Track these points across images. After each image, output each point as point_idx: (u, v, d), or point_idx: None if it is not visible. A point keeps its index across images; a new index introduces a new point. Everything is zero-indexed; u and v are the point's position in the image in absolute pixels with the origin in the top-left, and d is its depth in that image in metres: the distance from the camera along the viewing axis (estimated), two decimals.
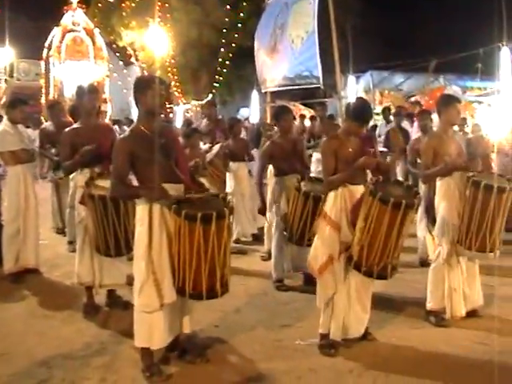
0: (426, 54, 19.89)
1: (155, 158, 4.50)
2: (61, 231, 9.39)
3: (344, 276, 5.04)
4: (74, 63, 23.16)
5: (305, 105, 23.11)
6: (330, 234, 5.04)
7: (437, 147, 5.72)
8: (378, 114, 15.94)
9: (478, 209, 5.34)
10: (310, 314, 5.69)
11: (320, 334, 5.15)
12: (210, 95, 25.79)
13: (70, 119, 8.27)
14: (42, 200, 7.87)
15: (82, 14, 23.50)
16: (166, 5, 23.23)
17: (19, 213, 7.12)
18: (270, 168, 7.98)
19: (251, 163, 10.09)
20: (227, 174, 9.12)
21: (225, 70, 26.04)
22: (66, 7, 23.24)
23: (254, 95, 25.30)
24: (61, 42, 23.07)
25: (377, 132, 12.40)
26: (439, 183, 5.71)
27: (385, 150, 10.19)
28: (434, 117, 7.94)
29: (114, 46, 26.47)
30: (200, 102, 24.14)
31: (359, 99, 5.72)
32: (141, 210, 4.56)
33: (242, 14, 24.52)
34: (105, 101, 22.41)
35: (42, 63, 23.88)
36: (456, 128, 12.44)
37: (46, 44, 23.34)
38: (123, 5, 25.00)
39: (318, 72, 12.81)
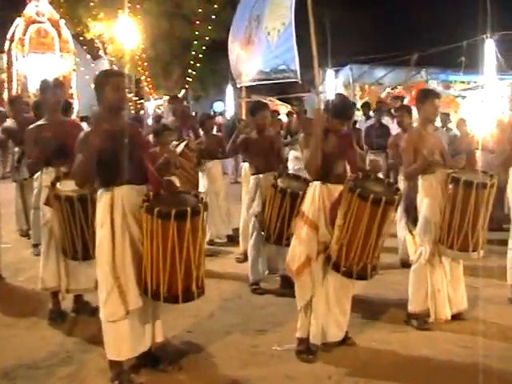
0: (408, 47, 20.01)
1: (117, 156, 4.47)
2: (25, 234, 9.31)
3: (322, 277, 5.06)
4: (39, 56, 22.98)
5: (282, 100, 23.15)
6: (307, 234, 5.06)
7: (416, 144, 5.76)
8: (358, 109, 16.00)
9: (459, 206, 5.40)
10: (287, 319, 5.71)
11: (297, 338, 5.16)
12: (183, 90, 25.74)
13: (33, 115, 8.20)
14: (5, 201, 7.81)
15: (47, 3, 23.29)
16: None
17: None
18: (245, 166, 7.99)
19: (228, 160, 10.10)
20: (200, 173, 9.10)
21: (198, 64, 25.96)
22: None
23: (229, 90, 25.31)
24: (24, 34, 22.87)
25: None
26: (421, 181, 5.76)
27: None
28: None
29: (81, 38, 26.28)
30: None
31: (339, 95, 5.77)
32: (101, 211, 4.53)
33: (215, 6, 24.44)
34: (71, 96, 22.26)
35: (4, 56, 23.60)
36: (439, 124, 12.64)
37: (8, 36, 23.09)
38: None
39: (296, 66, 12.78)
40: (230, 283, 7.26)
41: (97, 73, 4.91)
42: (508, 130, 6.68)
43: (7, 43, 23.16)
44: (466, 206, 5.37)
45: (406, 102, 15.44)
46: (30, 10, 22.95)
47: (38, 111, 7.84)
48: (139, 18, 23.40)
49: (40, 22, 23.08)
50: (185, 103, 28.07)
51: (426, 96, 5.93)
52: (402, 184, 7.14)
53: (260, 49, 14.86)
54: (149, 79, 26.35)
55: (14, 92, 22.35)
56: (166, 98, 26.04)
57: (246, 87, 16.55)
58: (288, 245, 5.43)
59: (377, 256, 4.90)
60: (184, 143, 8.64)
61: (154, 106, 27.20)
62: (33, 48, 22.94)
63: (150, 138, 7.93)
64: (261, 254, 6.95)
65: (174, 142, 8.52)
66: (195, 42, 25.36)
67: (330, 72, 20.25)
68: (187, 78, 26.52)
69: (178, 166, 7.74)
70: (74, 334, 5.64)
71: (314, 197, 5.11)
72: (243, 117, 15.00)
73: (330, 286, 5.08)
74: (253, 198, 7.00)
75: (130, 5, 22.34)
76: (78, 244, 5.58)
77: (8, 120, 9.58)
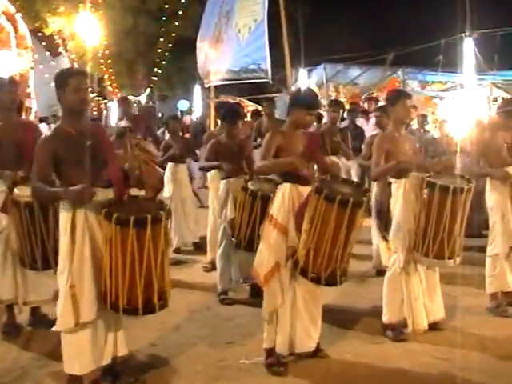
0: (384, 46, 20.15)
1: (81, 160, 4.45)
2: None
3: (289, 284, 5.07)
4: None
5: (252, 100, 23.17)
6: (276, 239, 5.07)
7: (389, 147, 5.80)
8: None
9: (435, 212, 5.44)
10: (257, 330, 5.69)
11: (265, 349, 5.17)
12: (148, 89, 25.67)
13: None
14: None
15: None
16: None
17: None
18: (212, 170, 7.98)
19: (195, 165, 10.08)
20: (165, 177, 9.08)
21: (164, 62, 25.94)
22: None
23: (197, 89, 25.26)
24: None
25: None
26: (395, 185, 5.80)
27: None
28: None
29: (40, 33, 26.03)
30: (136, 98, 23.97)
31: (301, 87, 5.80)
32: (64, 217, 4.51)
33: (182, 1, 24.42)
34: (29, 96, 22.02)
35: None
36: (415, 126, 12.75)
37: None
38: None
39: (267, 65, 12.84)
40: (197, 294, 7.25)
41: (57, 71, 4.87)
42: (486, 132, 6.77)
43: None
44: (442, 211, 5.41)
45: (380, 102, 15.53)
46: None
47: None
48: (102, 13, 23.26)
49: None
50: (150, 103, 28.05)
51: (397, 97, 5.97)
52: (375, 187, 7.16)
53: (229, 47, 14.91)
54: (112, 78, 26.22)
55: None
56: (131, 97, 26.00)
57: (215, 87, 16.57)
58: None
59: (346, 261, 4.92)
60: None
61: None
62: None
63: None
64: (230, 262, 6.95)
65: None
66: (161, 39, 25.32)
67: (302, 71, 20.26)
68: (153, 77, 26.46)
69: (142, 172, 7.68)
70: (30, 349, 5.57)
71: (284, 199, 5.10)
72: (211, 118, 15.00)
73: (297, 292, 5.09)
74: (224, 203, 6.99)
75: None
76: (37, 253, 5.52)
77: None
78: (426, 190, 5.54)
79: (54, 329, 4.54)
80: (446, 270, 6.11)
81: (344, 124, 11.82)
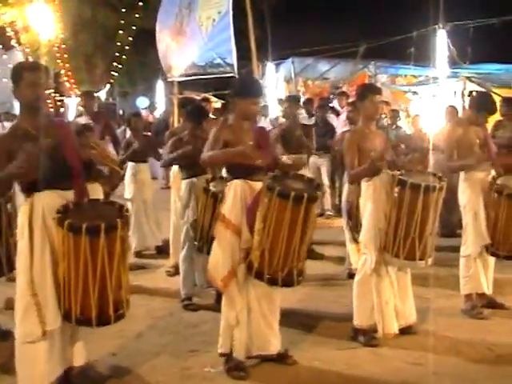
0: (354, 39, 20.23)
1: (39, 160, 4.40)
2: None
3: (243, 287, 5.09)
4: None
5: (217, 96, 23.14)
6: (230, 240, 5.07)
7: (360, 143, 5.84)
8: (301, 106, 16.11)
9: (405, 211, 5.49)
10: None
11: (221, 354, 5.18)
12: (108, 85, 25.52)
13: None
14: None
15: None
16: None
17: None
18: (174, 169, 7.97)
19: (157, 164, 10.03)
20: (126, 177, 9.05)
21: (124, 56, 25.78)
22: None
23: (160, 85, 25.17)
24: None
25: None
26: (365, 184, 5.82)
27: None
28: None
29: None
30: (95, 94, 23.76)
31: (241, 76, 5.80)
32: (21, 221, 4.47)
33: None
34: None
35: None
36: (387, 121, 12.83)
37: None
38: None
39: (233, 59, 12.81)
40: (159, 299, 7.24)
41: (9, 65, 4.81)
42: (459, 127, 6.84)
43: None
44: (413, 210, 5.46)
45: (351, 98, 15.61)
46: None
47: None
48: (57, 4, 23.03)
49: None
50: (110, 100, 27.90)
51: (365, 93, 6.02)
52: (346, 187, 7.21)
53: (193, 41, 14.82)
54: (69, 73, 25.97)
55: None
56: None
57: (179, 82, 16.48)
58: None
59: (302, 259, 4.95)
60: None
61: (76, 103, 26.83)
62: None
63: None
64: (194, 266, 6.95)
65: None
66: (121, 32, 25.15)
67: (270, 65, 20.27)
68: (113, 72, 26.28)
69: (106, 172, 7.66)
70: None
71: (236, 197, 5.10)
72: (175, 115, 14.92)
73: (251, 295, 5.12)
74: (186, 204, 6.98)
75: None
76: None
77: None
78: (396, 189, 5.59)
79: (17, 340, 4.47)
80: (418, 272, 6.18)
81: (312, 120, 11.88)
